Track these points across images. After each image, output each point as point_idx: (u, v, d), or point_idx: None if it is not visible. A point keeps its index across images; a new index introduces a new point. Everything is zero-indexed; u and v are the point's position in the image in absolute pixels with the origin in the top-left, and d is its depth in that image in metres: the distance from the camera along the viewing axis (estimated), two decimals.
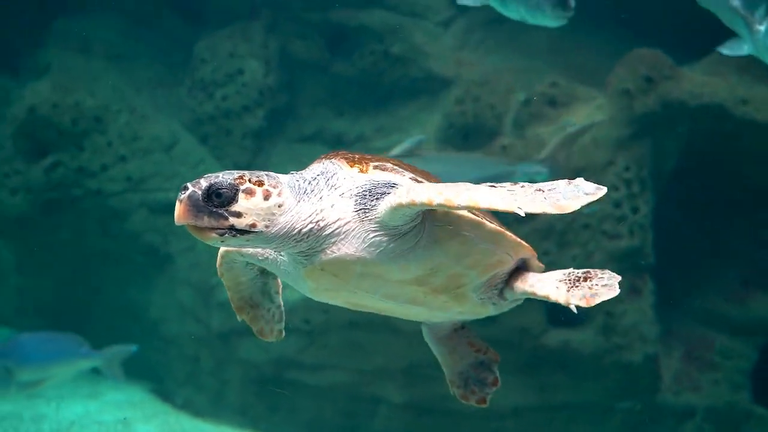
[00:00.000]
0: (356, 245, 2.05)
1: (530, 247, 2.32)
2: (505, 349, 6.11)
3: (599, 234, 6.07)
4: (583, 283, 2.13)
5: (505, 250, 2.21)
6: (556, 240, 6.10)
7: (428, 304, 2.31)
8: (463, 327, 2.71)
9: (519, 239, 2.24)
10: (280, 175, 2.04)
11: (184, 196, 1.88)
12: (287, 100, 7.96)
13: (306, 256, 2.09)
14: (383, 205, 2.00)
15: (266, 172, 2.01)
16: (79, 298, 7.58)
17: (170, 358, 7.31)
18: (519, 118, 6.76)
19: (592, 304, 2.07)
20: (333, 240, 2.05)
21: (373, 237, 2.04)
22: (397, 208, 1.96)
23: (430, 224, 2.06)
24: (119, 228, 7.34)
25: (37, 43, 8.31)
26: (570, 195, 1.93)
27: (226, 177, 1.92)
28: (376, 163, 2.11)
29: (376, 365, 6.36)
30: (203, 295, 7.06)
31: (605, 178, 6.11)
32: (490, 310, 2.43)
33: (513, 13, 4.91)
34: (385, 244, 2.05)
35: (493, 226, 2.14)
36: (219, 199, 1.89)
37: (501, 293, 2.33)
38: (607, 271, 2.15)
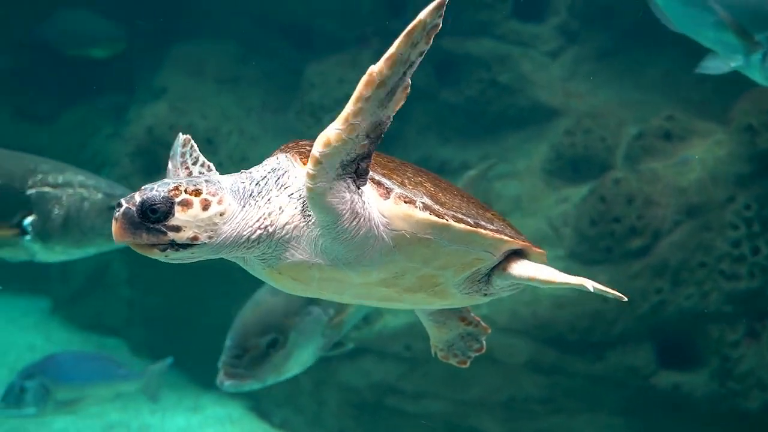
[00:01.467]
0: (309, 251, 1.92)
1: (521, 240, 2.18)
2: (611, 387, 6.01)
3: (716, 273, 5.83)
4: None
5: (483, 249, 2.07)
6: (670, 278, 5.91)
7: (407, 301, 2.20)
8: None
9: (501, 235, 2.08)
10: (223, 179, 1.92)
11: (119, 213, 1.77)
12: (394, 127, 7.99)
13: (263, 260, 1.97)
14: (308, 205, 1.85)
15: (206, 178, 1.89)
16: (186, 312, 7.78)
17: None
18: (632, 152, 6.61)
19: (598, 290, 2.06)
20: (286, 245, 1.92)
21: (323, 242, 1.89)
22: (317, 210, 1.81)
23: (385, 229, 1.90)
24: None
25: (155, 67, 8.67)
26: None
27: (160, 190, 1.79)
28: None
29: (475, 396, 6.27)
30: None
31: (724, 216, 5.90)
32: (483, 300, 2.32)
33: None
34: (337, 250, 1.90)
35: (461, 227, 1.96)
36: (155, 215, 1.77)
37: (489, 282, 2.21)
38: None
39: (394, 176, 1.99)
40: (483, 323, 2.61)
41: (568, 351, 6.04)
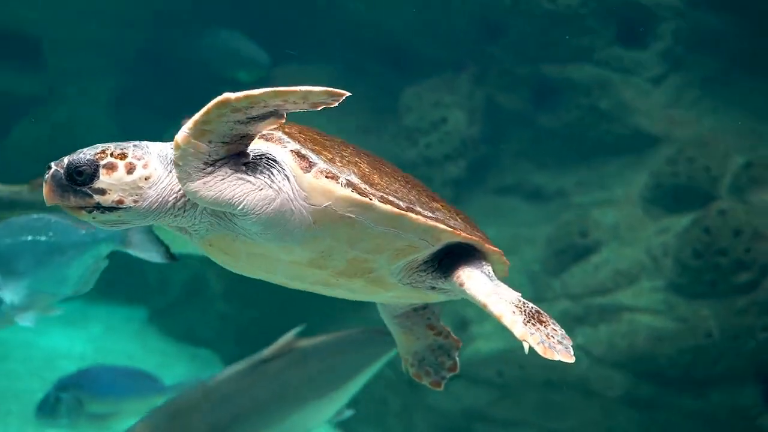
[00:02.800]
0: (229, 222, 1.91)
1: (465, 233, 2.05)
2: (713, 427, 5.77)
3: None
4: (540, 327, 1.91)
5: (416, 235, 1.98)
6: None
7: (346, 287, 2.13)
8: (425, 307, 2.47)
9: (437, 223, 1.98)
10: (151, 144, 1.90)
11: (48, 176, 1.80)
12: (489, 151, 8.00)
13: (196, 230, 1.97)
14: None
15: (135, 142, 1.87)
16: (279, 329, 7.89)
17: (358, 397, 7.42)
18: (739, 182, 6.38)
19: (548, 357, 1.84)
20: (211, 216, 1.92)
21: (240, 211, 1.86)
22: (179, 149, 1.75)
23: (303, 203, 1.86)
24: None
25: (265, 82, 8.91)
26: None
27: (86, 152, 1.81)
28: (266, 132, 1.89)
29: (569, 428, 6.14)
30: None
31: None
32: (437, 296, 2.21)
33: None
34: (249, 225, 1.88)
35: (386, 207, 1.89)
36: (80, 177, 1.78)
37: (434, 276, 2.11)
38: (557, 324, 1.96)
39: (325, 153, 1.95)
40: (453, 335, 2.50)
41: (667, 386, 5.85)
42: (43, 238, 3.98)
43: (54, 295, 4.11)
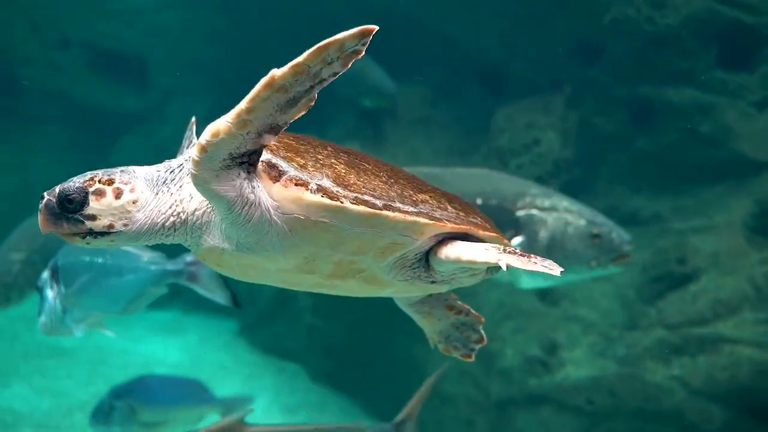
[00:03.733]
0: (218, 236, 1.94)
1: (453, 223, 2.01)
2: None
3: None
4: (519, 255, 1.90)
5: (397, 232, 1.95)
6: None
7: (344, 288, 2.11)
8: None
9: (416, 217, 1.94)
10: (138, 168, 1.95)
11: (42, 205, 1.85)
12: (582, 174, 7.88)
13: (189, 245, 2.02)
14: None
15: (122, 168, 1.93)
16: (366, 345, 7.97)
17: (445, 417, 7.39)
18: None
19: (528, 268, 1.84)
20: (200, 231, 1.96)
21: (224, 227, 1.90)
22: (195, 167, 1.78)
23: (276, 212, 1.86)
24: None
25: (351, 109, 9.09)
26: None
27: (76, 181, 1.86)
28: None
29: None
30: (484, 360, 7.10)
31: None
32: (439, 288, 2.17)
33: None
34: (236, 235, 1.90)
35: (358, 209, 1.86)
36: (71, 205, 1.84)
37: (428, 268, 2.07)
38: (547, 260, 1.90)
39: (298, 159, 1.94)
40: (474, 311, 2.47)
41: None
42: (109, 261, 4.26)
43: (105, 313, 4.44)
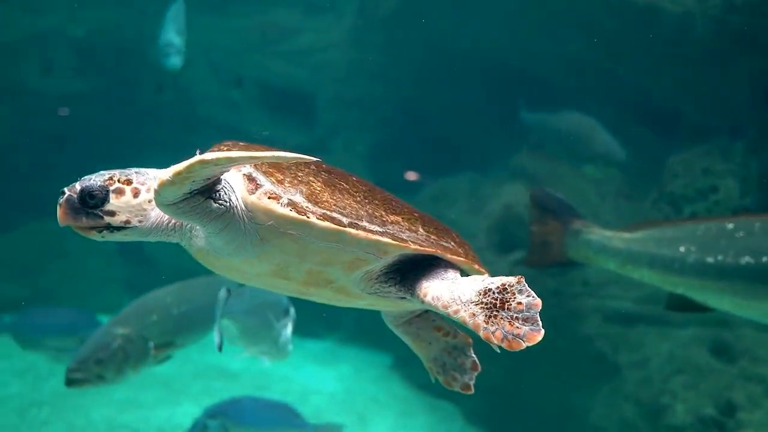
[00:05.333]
0: (202, 239, 2.08)
1: (417, 245, 2.07)
2: None
3: None
4: (503, 314, 1.84)
5: (361, 249, 2.05)
6: None
7: (317, 296, 2.21)
8: (426, 311, 2.40)
9: (380, 237, 2.03)
10: (150, 171, 2.05)
11: (62, 200, 1.96)
12: None
13: (185, 245, 2.16)
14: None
15: (136, 170, 2.04)
16: (523, 389, 7.84)
17: None
18: None
19: (516, 349, 1.79)
20: (191, 233, 2.11)
21: (203, 228, 2.03)
22: (160, 188, 1.87)
23: (250, 222, 2.01)
24: (572, 330, 7.48)
25: (513, 148, 9.08)
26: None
27: (97, 179, 1.98)
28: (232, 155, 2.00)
29: None
30: (650, 414, 6.80)
31: None
32: (411, 305, 2.19)
33: None
34: (214, 237, 2.03)
35: (323, 224, 1.98)
36: (93, 201, 1.96)
37: (409, 291, 2.11)
38: (523, 284, 1.86)
39: (277, 174, 2.07)
40: (461, 332, 2.43)
41: None
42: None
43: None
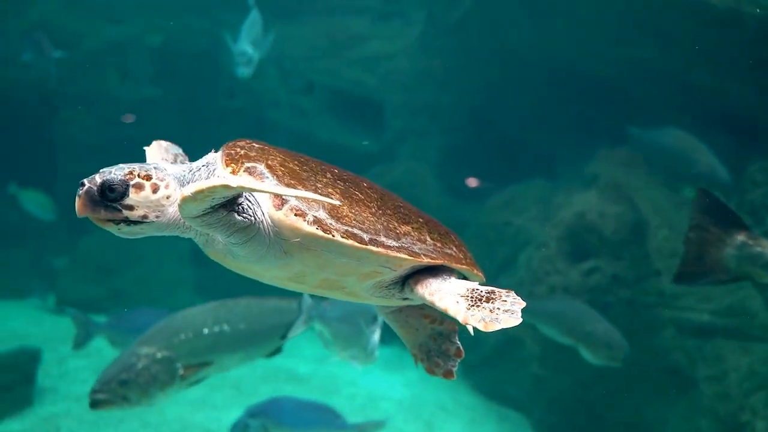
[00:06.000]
0: (221, 243, 2.10)
1: (429, 257, 2.16)
2: None
3: None
4: (485, 304, 2.01)
5: (378, 264, 2.13)
6: None
7: (328, 295, 2.28)
8: None
9: (398, 253, 2.11)
10: (168, 167, 2.07)
11: (82, 191, 1.96)
12: None
13: (198, 241, 2.16)
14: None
15: (155, 165, 2.04)
16: (594, 401, 7.72)
17: None
18: None
19: (491, 330, 1.93)
20: (207, 235, 2.12)
21: (226, 238, 2.06)
22: (183, 203, 1.92)
23: (275, 239, 2.04)
24: (647, 341, 7.33)
25: (586, 156, 8.95)
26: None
27: (117, 173, 1.98)
28: (249, 165, 2.05)
29: None
30: (729, 431, 6.62)
31: None
32: (406, 302, 2.31)
33: None
34: (237, 247, 2.07)
35: (348, 243, 2.03)
36: (113, 194, 1.96)
37: (402, 290, 2.24)
38: (512, 292, 2.03)
39: (299, 187, 2.07)
40: (447, 320, 2.47)
41: None
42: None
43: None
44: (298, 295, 4.94)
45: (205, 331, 4.76)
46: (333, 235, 2.05)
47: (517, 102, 10.29)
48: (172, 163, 2.32)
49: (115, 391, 4.40)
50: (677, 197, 8.13)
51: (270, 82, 11.75)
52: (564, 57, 9.57)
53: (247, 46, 9.17)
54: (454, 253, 2.30)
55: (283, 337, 4.93)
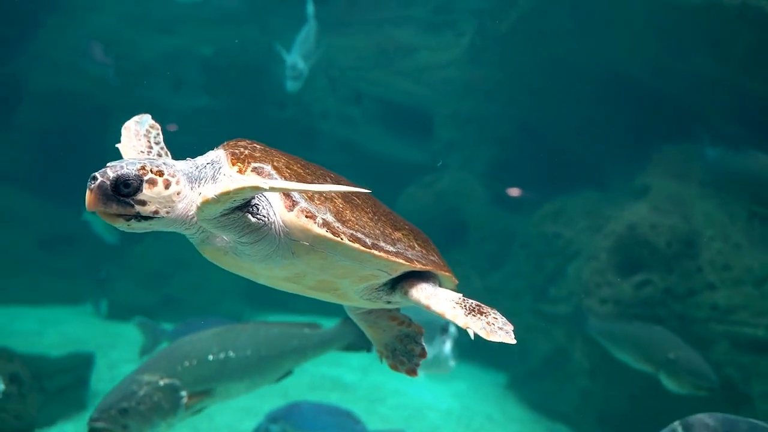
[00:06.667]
0: (224, 240, 2.14)
1: (421, 263, 2.26)
2: None
3: None
4: (481, 317, 2.13)
5: (377, 267, 2.22)
6: None
7: (314, 295, 2.35)
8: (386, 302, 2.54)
9: (396, 258, 2.20)
10: (176, 163, 2.08)
11: (94, 185, 1.93)
12: None
13: (195, 237, 2.16)
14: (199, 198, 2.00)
15: (164, 160, 2.05)
16: (646, 417, 7.57)
17: None
18: None
19: (491, 339, 2.06)
20: (209, 232, 2.13)
21: (237, 238, 2.09)
22: (204, 205, 1.97)
23: (285, 239, 2.10)
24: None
25: (637, 167, 8.82)
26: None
27: (130, 168, 1.96)
28: (257, 165, 2.11)
29: None
30: None
31: None
32: (389, 305, 2.42)
33: None
34: (244, 246, 2.11)
35: (354, 246, 2.10)
36: (126, 189, 1.95)
37: (390, 294, 2.34)
38: (496, 311, 2.15)
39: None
40: (415, 323, 2.59)
41: None
42: None
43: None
44: (307, 321, 4.94)
45: (210, 357, 4.58)
46: (341, 238, 2.13)
47: (566, 112, 10.20)
48: (148, 148, 2.37)
49: (114, 419, 4.21)
50: (731, 207, 7.96)
51: (319, 93, 11.86)
52: (614, 66, 9.46)
53: (299, 60, 9.29)
54: (437, 260, 2.43)
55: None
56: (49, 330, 9.84)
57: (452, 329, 5.32)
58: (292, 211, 2.10)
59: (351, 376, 9.33)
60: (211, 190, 1.95)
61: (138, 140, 2.38)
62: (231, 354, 4.64)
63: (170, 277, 11.12)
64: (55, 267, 11.04)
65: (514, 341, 2.06)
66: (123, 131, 2.38)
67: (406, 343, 2.63)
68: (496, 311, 2.17)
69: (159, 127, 2.44)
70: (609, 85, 9.68)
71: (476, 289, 9.73)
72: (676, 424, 3.58)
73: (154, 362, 4.52)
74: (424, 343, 2.63)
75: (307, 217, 2.10)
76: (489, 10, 11.01)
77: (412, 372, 2.63)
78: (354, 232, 2.17)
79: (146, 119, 2.44)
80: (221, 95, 11.79)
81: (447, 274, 2.42)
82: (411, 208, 10.55)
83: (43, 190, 10.58)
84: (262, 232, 2.09)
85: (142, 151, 2.35)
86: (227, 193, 1.93)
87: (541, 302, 9.08)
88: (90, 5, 11.75)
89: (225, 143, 2.21)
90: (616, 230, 7.90)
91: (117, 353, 9.23)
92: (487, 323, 2.12)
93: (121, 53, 11.21)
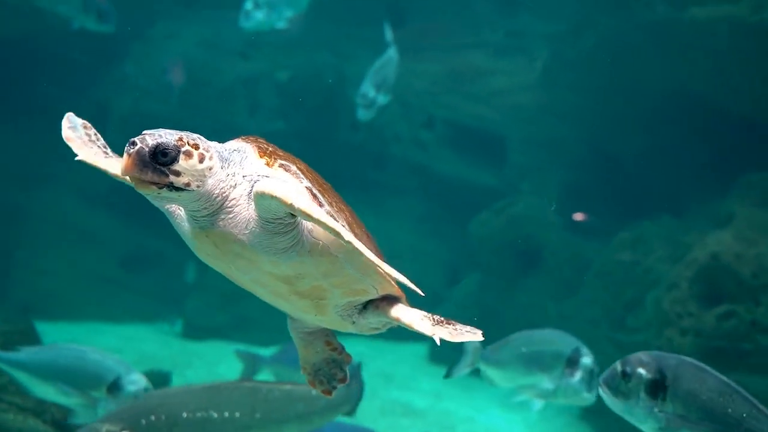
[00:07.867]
0: (240, 227, 2.12)
1: (400, 289, 2.35)
2: None
3: None
4: (448, 326, 2.23)
5: (373, 283, 2.28)
6: None
7: (292, 303, 2.35)
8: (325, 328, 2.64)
9: (387, 277, 2.25)
10: (211, 143, 2.09)
11: (133, 150, 1.94)
12: None
13: (203, 218, 2.12)
14: (255, 188, 2.07)
15: (198, 136, 2.05)
16: None
17: None
18: None
19: (456, 340, 2.19)
20: (225, 215, 2.11)
21: (254, 226, 2.10)
22: (262, 197, 2.04)
23: (307, 236, 2.14)
24: None
25: (720, 194, 8.58)
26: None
27: (169, 138, 1.98)
28: (283, 162, 2.16)
29: None
30: None
31: None
32: (350, 328, 2.46)
33: None
34: (261, 237, 2.11)
35: (370, 257, 2.08)
36: (164, 158, 1.96)
37: (362, 313, 2.38)
38: (465, 326, 2.25)
39: (326, 196, 2.23)
40: (346, 351, 2.68)
41: None
42: None
43: None
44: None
45: (184, 415, 4.12)
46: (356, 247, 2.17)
47: (642, 137, 10.02)
48: (89, 140, 2.40)
49: None
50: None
51: (391, 117, 11.93)
52: (696, 90, 9.27)
53: (371, 88, 9.35)
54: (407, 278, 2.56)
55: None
56: (128, 347, 10.08)
57: (585, 360, 5.29)
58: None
59: (422, 402, 9.27)
60: (301, 203, 2.02)
61: (90, 148, 2.40)
62: (212, 414, 4.18)
63: (241, 298, 11.26)
64: (134, 286, 11.34)
65: (481, 338, 2.18)
66: (70, 143, 2.38)
67: (332, 367, 2.72)
68: (462, 324, 2.27)
69: (90, 124, 2.45)
70: (689, 109, 9.48)
71: (550, 316, 9.58)
72: (617, 363, 3.73)
73: (119, 413, 4.18)
74: (347, 370, 2.71)
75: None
76: (563, 33, 10.92)
77: (327, 393, 2.72)
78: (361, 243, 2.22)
79: (76, 121, 2.42)
80: (294, 119, 11.97)
81: (401, 294, 2.49)
82: (483, 234, 10.47)
83: (125, 210, 10.89)
84: (294, 223, 2.13)
85: (107, 154, 2.40)
86: (308, 215, 2.02)
87: (618, 331, 8.86)
88: (171, 32, 12.14)
89: (244, 137, 2.24)
90: (699, 259, 7.67)
91: (193, 372, 9.40)
92: (454, 329, 2.23)
93: (199, 78, 11.52)
